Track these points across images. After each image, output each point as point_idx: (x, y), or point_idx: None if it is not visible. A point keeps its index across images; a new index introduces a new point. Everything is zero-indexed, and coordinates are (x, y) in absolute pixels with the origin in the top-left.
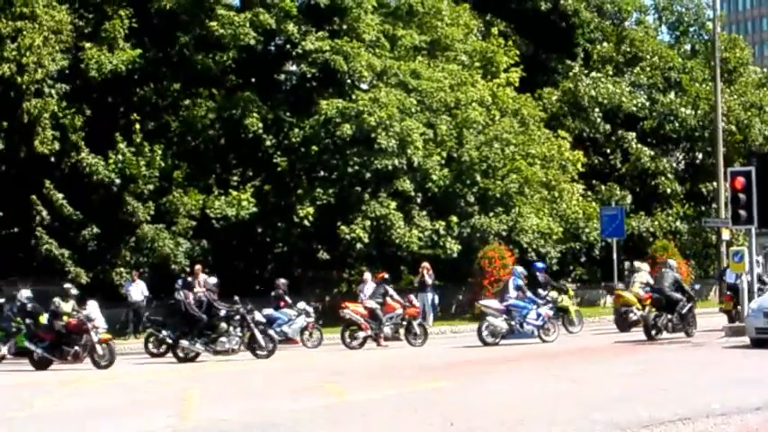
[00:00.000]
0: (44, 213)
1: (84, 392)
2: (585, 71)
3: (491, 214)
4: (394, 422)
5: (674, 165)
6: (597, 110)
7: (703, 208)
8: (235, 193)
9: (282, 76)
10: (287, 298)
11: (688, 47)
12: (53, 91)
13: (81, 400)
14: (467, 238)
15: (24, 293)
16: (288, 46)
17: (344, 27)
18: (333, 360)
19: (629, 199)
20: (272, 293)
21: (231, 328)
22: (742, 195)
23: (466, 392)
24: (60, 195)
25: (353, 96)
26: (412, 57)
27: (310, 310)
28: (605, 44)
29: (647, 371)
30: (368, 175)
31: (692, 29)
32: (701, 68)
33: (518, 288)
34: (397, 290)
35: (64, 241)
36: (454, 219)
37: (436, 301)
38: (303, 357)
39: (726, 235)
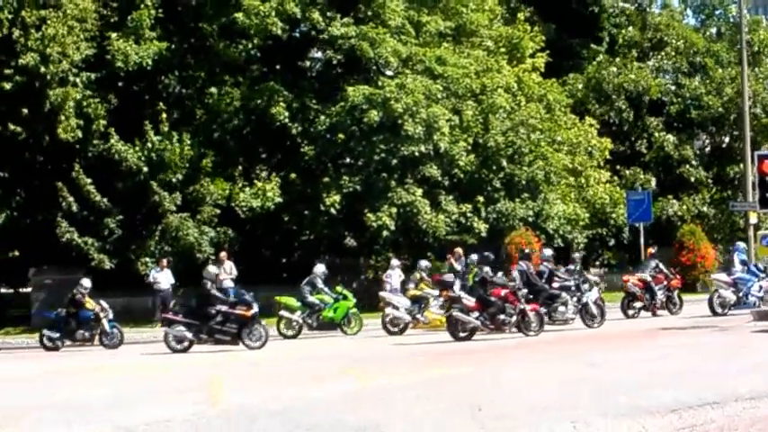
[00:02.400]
0: (70, 200)
1: (114, 379)
2: (610, 57)
3: (517, 200)
4: (420, 406)
5: (701, 149)
6: (622, 96)
7: (730, 192)
8: (260, 184)
9: (307, 63)
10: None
11: (713, 30)
12: (78, 80)
13: (110, 387)
14: (493, 223)
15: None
16: (313, 32)
17: (369, 13)
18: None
19: (653, 183)
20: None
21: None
22: None
23: (491, 377)
24: (89, 181)
25: (379, 83)
26: (437, 43)
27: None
28: (630, 29)
29: (675, 355)
30: (394, 161)
31: (717, 12)
32: (726, 52)
33: (743, 263)
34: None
35: (88, 229)
36: (481, 199)
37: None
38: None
39: (753, 218)
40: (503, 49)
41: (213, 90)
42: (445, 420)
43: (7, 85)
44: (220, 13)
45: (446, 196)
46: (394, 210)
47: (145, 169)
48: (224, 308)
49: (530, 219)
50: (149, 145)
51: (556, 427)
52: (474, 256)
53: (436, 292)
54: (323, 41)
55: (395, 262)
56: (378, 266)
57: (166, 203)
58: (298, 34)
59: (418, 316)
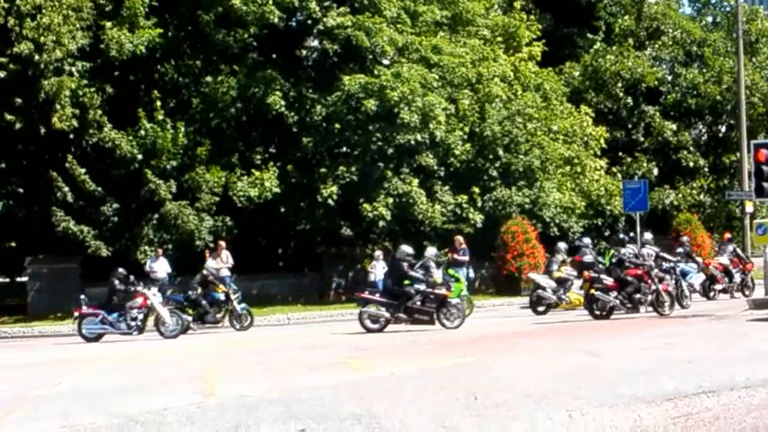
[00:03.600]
0: (65, 189)
1: (110, 369)
2: (606, 45)
3: (513, 188)
4: (418, 396)
5: (697, 138)
6: (619, 84)
7: (727, 181)
8: (257, 173)
9: (304, 52)
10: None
11: (710, 19)
12: (73, 69)
13: (107, 376)
14: (489, 212)
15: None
16: (309, 22)
17: (365, 3)
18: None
19: (654, 171)
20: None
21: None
22: (765, 168)
23: (490, 367)
24: (82, 170)
25: (375, 72)
26: (433, 32)
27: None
28: (626, 18)
29: (672, 344)
30: (390, 150)
31: (713, 1)
32: (723, 41)
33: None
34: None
35: (84, 218)
36: (477, 190)
37: (470, 275)
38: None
39: (749, 207)
40: (499, 39)
41: (209, 78)
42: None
43: (2, 74)
44: (217, 2)
45: (442, 186)
46: (390, 200)
47: (139, 157)
48: (422, 287)
49: (526, 206)
50: (142, 133)
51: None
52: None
53: (575, 273)
54: (320, 31)
55: (379, 253)
56: (375, 256)
57: (162, 191)
58: (294, 23)
59: (562, 296)
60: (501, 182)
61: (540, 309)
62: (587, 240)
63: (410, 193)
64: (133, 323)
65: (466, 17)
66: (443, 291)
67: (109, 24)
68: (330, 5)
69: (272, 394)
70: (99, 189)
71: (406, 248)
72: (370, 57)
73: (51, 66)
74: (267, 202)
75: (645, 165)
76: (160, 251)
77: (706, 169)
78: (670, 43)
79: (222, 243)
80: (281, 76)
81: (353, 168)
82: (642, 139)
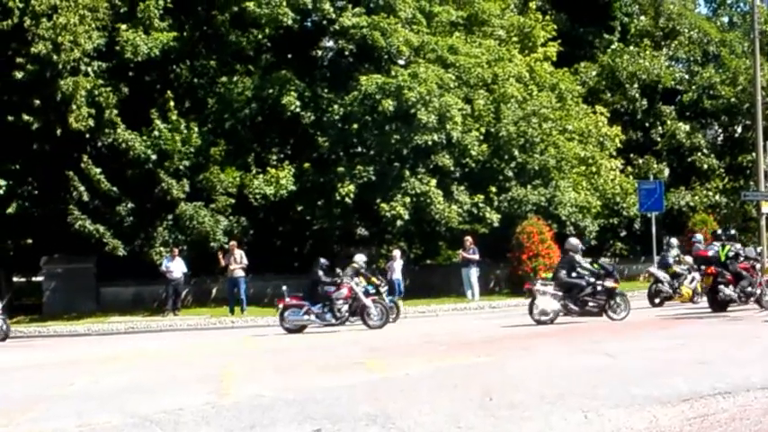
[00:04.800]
0: (81, 189)
1: (125, 369)
2: (623, 45)
3: (529, 187)
4: (433, 396)
5: (713, 138)
6: (635, 85)
7: (743, 181)
8: (273, 171)
9: (319, 53)
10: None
11: (726, 19)
12: (89, 69)
13: (122, 376)
14: (505, 211)
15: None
16: (324, 22)
17: (380, 3)
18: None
19: (666, 173)
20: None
21: None
22: None
23: (505, 366)
24: (98, 170)
25: (392, 72)
26: (449, 32)
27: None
28: (642, 18)
29: (687, 345)
30: (406, 150)
31: (729, 1)
32: (740, 41)
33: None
34: (433, 265)
35: (99, 217)
36: (493, 190)
37: (478, 274)
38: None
39: (765, 208)
40: (515, 39)
41: (224, 79)
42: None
43: (19, 74)
44: (231, 3)
45: (458, 186)
46: (407, 200)
47: (153, 157)
48: (593, 279)
49: (542, 204)
50: (156, 133)
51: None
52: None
53: (686, 268)
54: (335, 31)
55: (396, 252)
56: (390, 256)
57: (175, 191)
58: (309, 24)
59: (677, 289)
60: (516, 182)
61: (657, 300)
62: (700, 236)
63: (428, 192)
64: (339, 314)
65: (481, 17)
66: (611, 283)
67: (124, 27)
68: (345, 6)
69: (287, 394)
70: (114, 189)
71: (575, 241)
72: (386, 57)
73: (68, 66)
74: (283, 201)
75: (656, 166)
76: (176, 251)
77: (722, 170)
78: (686, 43)
79: (234, 243)
80: (295, 76)
81: (370, 168)
82: (658, 139)
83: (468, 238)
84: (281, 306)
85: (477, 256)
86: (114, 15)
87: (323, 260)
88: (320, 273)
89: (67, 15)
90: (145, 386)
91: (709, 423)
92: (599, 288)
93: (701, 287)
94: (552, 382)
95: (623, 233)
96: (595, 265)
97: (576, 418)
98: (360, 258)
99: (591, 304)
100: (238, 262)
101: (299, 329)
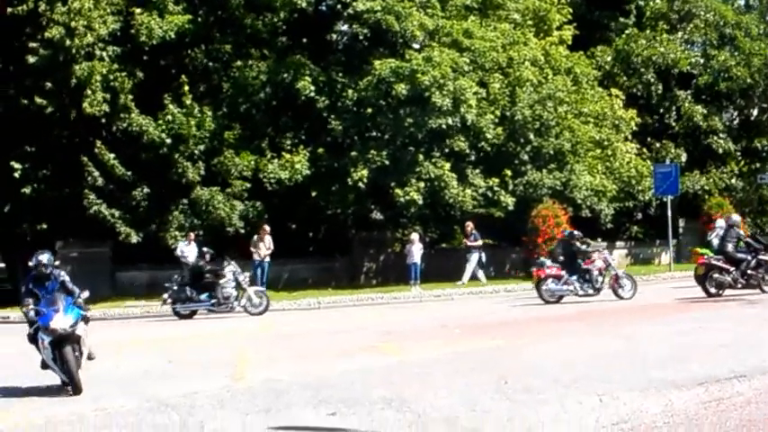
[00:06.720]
0: (96, 174)
1: (140, 353)
2: (638, 30)
3: (544, 170)
4: (449, 380)
5: (729, 122)
6: (651, 69)
7: (758, 164)
8: (288, 156)
9: (333, 37)
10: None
11: (742, 1)
12: (104, 54)
13: (137, 361)
14: (521, 195)
15: None
16: (338, 6)
17: None
18: None
19: (683, 157)
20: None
21: None
22: None
23: (520, 351)
24: (111, 155)
25: (406, 56)
26: (463, 16)
27: None
28: (658, 1)
29: (704, 328)
30: (421, 134)
31: None
32: (756, 23)
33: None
34: (448, 249)
35: (114, 202)
36: (508, 173)
37: (480, 260)
38: None
39: None
40: (530, 22)
41: (239, 63)
42: None
43: (32, 59)
44: None
45: (473, 170)
46: (422, 184)
47: (168, 142)
48: (761, 255)
49: (557, 188)
50: (170, 117)
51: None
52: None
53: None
54: (349, 15)
55: (415, 236)
56: (404, 240)
57: (190, 174)
58: (324, 8)
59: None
60: (532, 165)
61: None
62: (737, 218)
63: (442, 176)
64: (596, 284)
65: (496, 1)
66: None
67: (138, 10)
68: None
69: (303, 378)
70: (129, 173)
71: (737, 217)
72: (400, 41)
73: (83, 51)
74: (297, 186)
75: (673, 150)
76: (192, 236)
77: (738, 154)
78: (702, 26)
79: (266, 227)
80: (310, 60)
81: (384, 152)
82: (674, 123)
83: (469, 224)
84: (542, 276)
85: (479, 242)
86: (128, 0)
87: (577, 232)
88: (578, 244)
89: (82, 0)
90: (162, 371)
91: (724, 406)
92: (762, 263)
93: None
94: (567, 366)
95: (639, 217)
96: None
97: (591, 401)
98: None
99: (755, 278)
100: (267, 247)
101: (558, 300)
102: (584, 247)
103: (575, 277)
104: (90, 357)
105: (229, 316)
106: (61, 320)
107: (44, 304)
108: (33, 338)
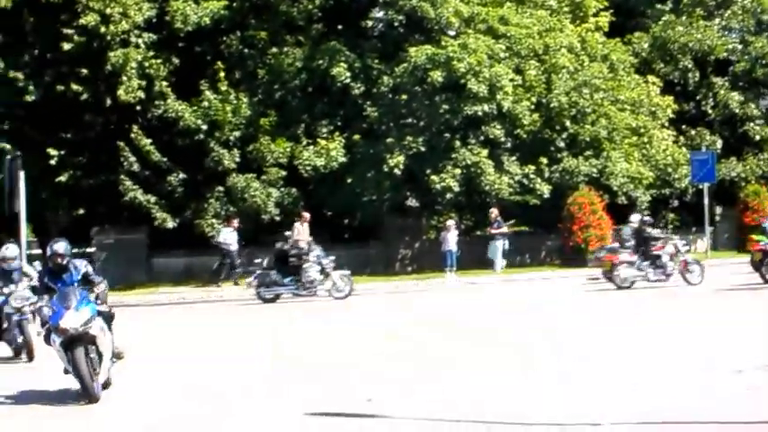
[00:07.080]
0: (132, 159)
1: (176, 337)
2: (675, 15)
3: (580, 158)
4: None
5: (766, 109)
6: (688, 55)
7: None
8: (323, 142)
9: (369, 23)
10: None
11: None
12: (140, 41)
13: (174, 344)
14: (557, 182)
15: None
16: None
17: None
18: None
19: (719, 144)
20: None
21: None
22: None
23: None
24: (148, 141)
25: (442, 43)
26: (499, 3)
27: None
28: None
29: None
30: (457, 121)
31: None
32: None
33: None
34: (484, 236)
35: (150, 188)
36: (544, 161)
37: (506, 247)
38: None
39: None
40: (566, 9)
41: (275, 50)
42: None
43: (67, 46)
44: None
45: (509, 157)
46: (458, 171)
47: (204, 128)
48: None
49: (593, 175)
50: (206, 104)
51: None
52: None
53: None
54: (384, 2)
55: (451, 223)
56: (439, 227)
57: (226, 161)
58: None
59: None
60: (568, 152)
61: None
62: None
63: (478, 163)
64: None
65: None
66: None
67: None
68: None
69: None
70: (164, 160)
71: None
72: (436, 28)
73: (118, 38)
74: (333, 172)
75: (708, 137)
76: (235, 222)
77: None
78: (739, 12)
79: (306, 215)
80: (345, 47)
81: (420, 139)
82: (710, 111)
83: (494, 210)
84: (615, 261)
85: (504, 229)
86: None
87: (647, 218)
88: (650, 230)
89: None
90: (196, 353)
91: None
92: None
93: None
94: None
95: (675, 204)
96: None
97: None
98: (635, 218)
99: None
100: (305, 234)
101: (630, 285)
102: (656, 232)
103: (646, 263)
104: (119, 357)
105: (313, 299)
106: (72, 318)
107: (56, 301)
108: (47, 340)
